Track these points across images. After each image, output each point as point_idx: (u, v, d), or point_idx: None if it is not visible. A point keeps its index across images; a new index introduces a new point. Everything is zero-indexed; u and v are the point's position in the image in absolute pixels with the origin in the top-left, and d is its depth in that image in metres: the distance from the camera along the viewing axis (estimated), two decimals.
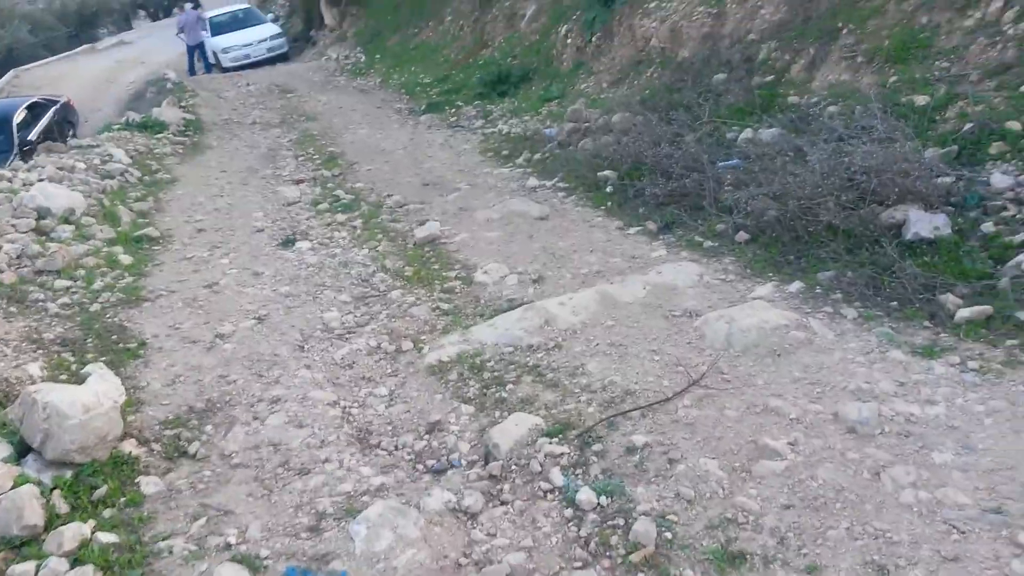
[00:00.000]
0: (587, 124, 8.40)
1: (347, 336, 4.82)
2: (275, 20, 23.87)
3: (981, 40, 5.70)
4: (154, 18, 39.97)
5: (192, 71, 20.10)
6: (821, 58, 6.83)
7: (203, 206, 7.78)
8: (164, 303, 5.45)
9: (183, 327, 5.06)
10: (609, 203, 6.43)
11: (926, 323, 4.05)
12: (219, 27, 21.34)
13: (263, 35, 21.10)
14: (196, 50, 20.52)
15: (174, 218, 7.47)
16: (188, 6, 21.72)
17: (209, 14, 22.13)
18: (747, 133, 6.48)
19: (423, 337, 4.72)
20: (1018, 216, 4.46)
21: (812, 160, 5.24)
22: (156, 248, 6.65)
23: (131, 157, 9.23)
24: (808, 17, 7.30)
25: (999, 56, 5.50)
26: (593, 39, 10.61)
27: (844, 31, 6.77)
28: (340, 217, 7.17)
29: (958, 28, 5.96)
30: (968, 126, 5.14)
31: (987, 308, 3.93)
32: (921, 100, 5.60)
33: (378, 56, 17.89)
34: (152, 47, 21.68)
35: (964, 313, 3.94)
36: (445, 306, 5.12)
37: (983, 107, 5.22)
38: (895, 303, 4.24)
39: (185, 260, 6.33)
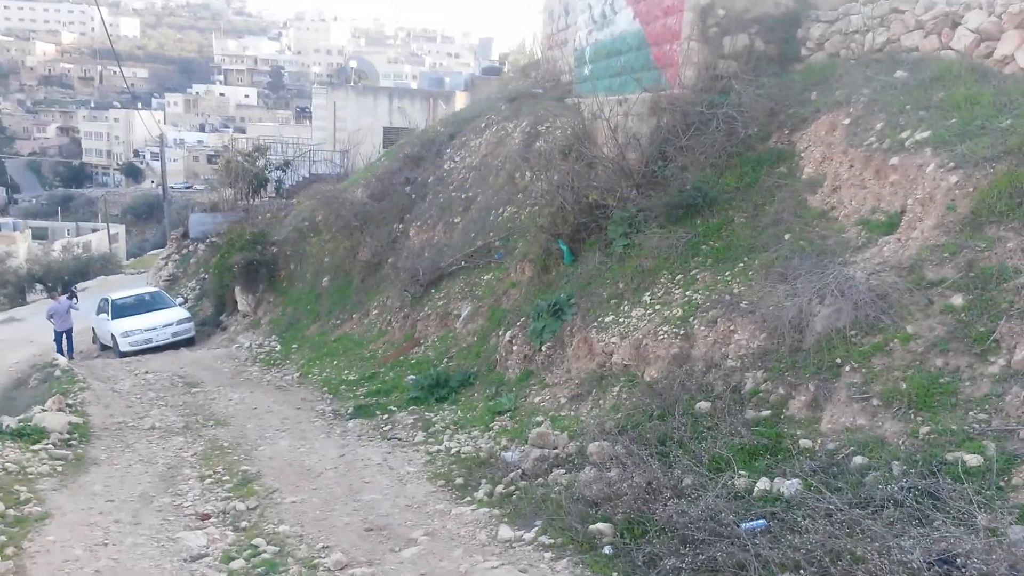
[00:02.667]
0: (555, 450, 7.41)
1: None
2: (183, 303, 22.99)
3: (1017, 391, 5.17)
4: (51, 291, 38.50)
5: (60, 352, 18.89)
6: (824, 396, 6.21)
7: (80, 568, 6.05)
8: None
9: None
10: (615, 574, 5.21)
11: None
12: (122, 309, 20.35)
13: (168, 319, 20.11)
14: (64, 335, 20.06)
15: None
16: (63, 297, 21.40)
17: (115, 296, 21.25)
18: (763, 483, 5.58)
19: None
20: None
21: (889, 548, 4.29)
22: None
23: None
24: (796, 348, 6.81)
25: None
26: (543, 348, 10.00)
27: (846, 368, 6.24)
28: None
29: (983, 375, 5.47)
30: None
31: None
32: (973, 460, 4.89)
33: (295, 346, 16.96)
34: (45, 325, 20.22)
35: None
36: None
37: None
38: None
39: None
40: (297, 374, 14.56)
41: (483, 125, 18.98)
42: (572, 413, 8.48)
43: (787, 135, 9.89)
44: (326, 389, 12.92)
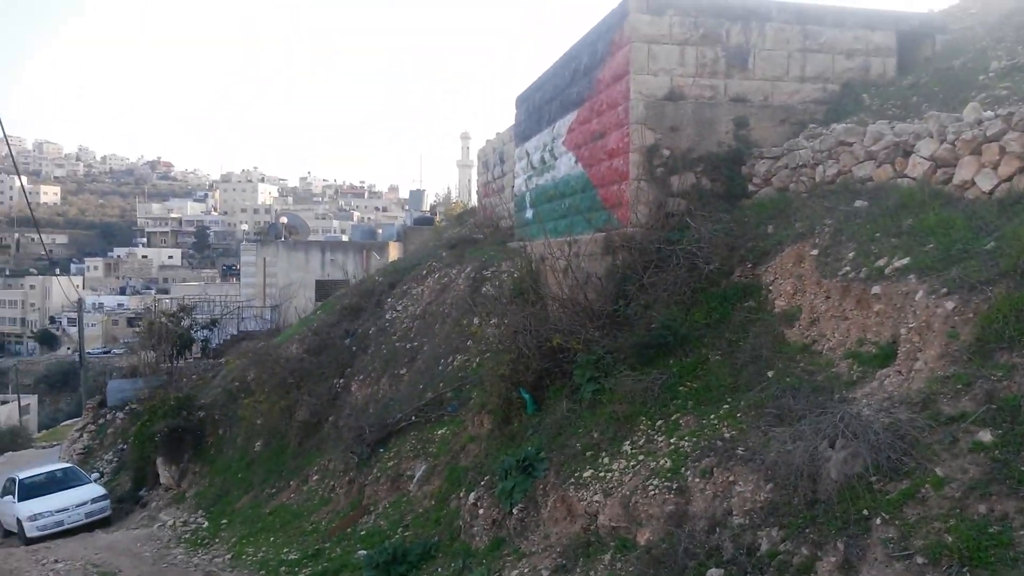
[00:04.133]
0: None
1: None
2: (99, 478, 20.97)
3: None
4: None
5: None
6: (857, 555, 5.45)
7: None
8: None
9: None
10: None
11: None
12: (31, 489, 18.38)
13: (82, 498, 18.20)
14: None
15: None
16: None
17: (23, 475, 19.23)
18: None
19: None
20: None
21: None
22: None
23: None
24: (812, 500, 6.10)
25: None
26: (514, 511, 9.02)
27: (876, 520, 5.54)
28: None
29: None
30: None
31: None
32: None
33: (224, 522, 15.35)
34: None
35: None
36: None
37: None
38: None
39: None
40: (228, 555, 13.00)
41: (424, 273, 18.54)
42: None
43: (750, 268, 9.62)
44: (263, 573, 11.44)
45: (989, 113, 8.13)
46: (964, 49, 11.89)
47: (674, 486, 7.27)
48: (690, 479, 7.23)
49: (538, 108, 16.38)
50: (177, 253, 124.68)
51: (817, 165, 10.17)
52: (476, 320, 14.85)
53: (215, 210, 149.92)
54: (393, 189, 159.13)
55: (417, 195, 47.35)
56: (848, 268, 7.98)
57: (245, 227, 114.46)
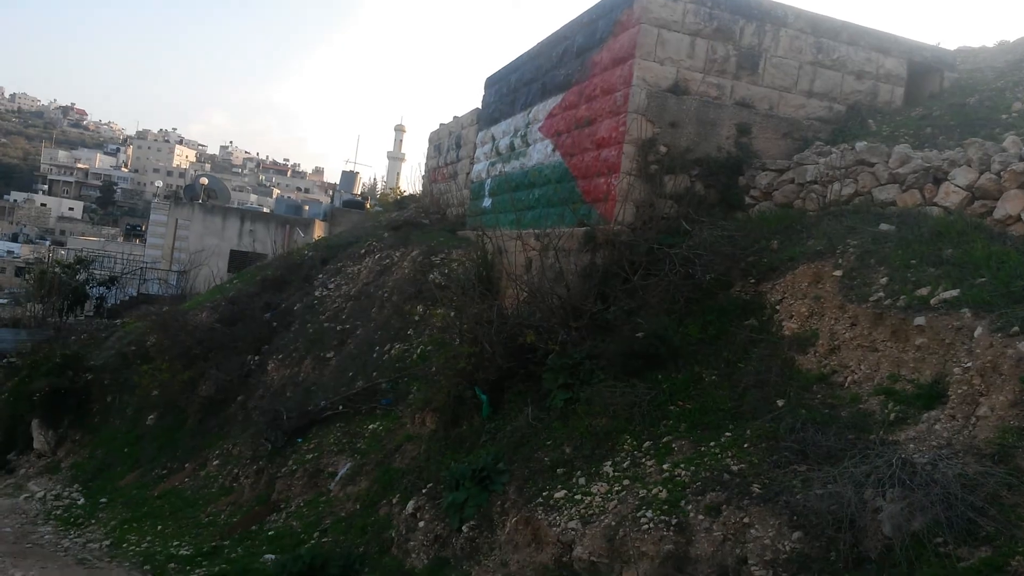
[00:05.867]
0: None
1: None
2: None
3: None
4: None
5: None
6: None
7: None
8: None
9: None
10: None
11: None
12: None
13: None
14: None
15: None
16: None
17: None
18: None
19: None
20: None
21: None
22: None
23: None
24: (856, 557, 5.09)
25: None
26: (464, 528, 7.73)
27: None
28: None
29: None
30: None
31: None
32: None
33: (104, 500, 13.46)
34: None
35: None
36: None
37: None
38: None
39: None
40: (107, 541, 11.19)
41: (363, 252, 17.03)
42: None
43: (753, 284, 8.67)
44: (148, 568, 9.76)
45: None
46: (975, 88, 11.39)
47: (672, 521, 6.17)
48: (692, 515, 6.14)
49: (512, 90, 15.21)
50: (79, 206, 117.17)
51: (830, 183, 9.34)
52: (420, 308, 13.51)
53: (125, 166, 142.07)
54: (318, 172, 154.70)
55: (349, 176, 45.33)
56: (881, 294, 7.10)
57: (159, 184, 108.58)
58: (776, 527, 5.68)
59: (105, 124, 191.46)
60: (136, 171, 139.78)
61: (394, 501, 9.08)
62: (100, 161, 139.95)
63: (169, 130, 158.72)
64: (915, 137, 10.27)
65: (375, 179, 62.36)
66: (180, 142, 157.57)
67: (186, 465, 13.52)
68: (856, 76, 11.43)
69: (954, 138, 9.72)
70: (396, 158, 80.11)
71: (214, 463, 12.96)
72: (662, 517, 6.24)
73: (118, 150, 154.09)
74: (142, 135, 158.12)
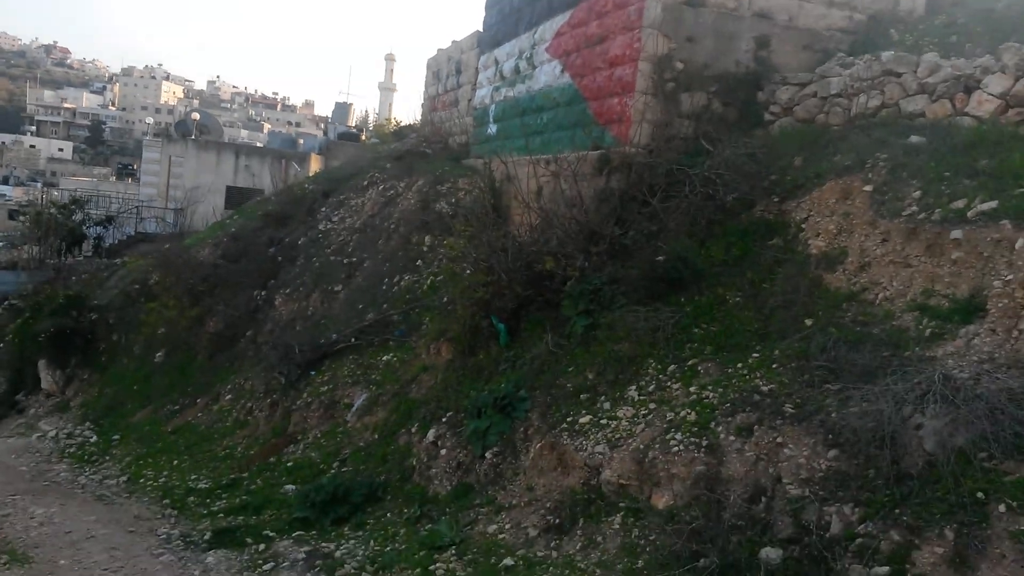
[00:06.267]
0: None
1: None
2: None
3: None
4: None
5: None
6: (975, 548, 4.39)
7: None
8: None
9: None
10: None
11: None
12: None
13: None
14: None
15: None
16: None
17: None
18: None
19: None
20: None
21: None
22: None
23: None
24: (897, 474, 5.00)
25: None
26: (487, 455, 7.68)
27: (998, 507, 4.48)
28: None
29: None
30: None
31: None
32: None
33: (117, 437, 13.45)
34: None
35: None
36: None
37: None
38: None
39: None
40: (123, 477, 11.19)
41: (365, 183, 16.68)
42: (554, 553, 6.19)
43: (776, 203, 8.43)
44: (167, 502, 9.77)
45: None
46: None
47: (703, 443, 6.09)
48: (723, 436, 6.06)
49: (516, 9, 14.63)
50: (68, 146, 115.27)
51: (855, 95, 9.00)
52: (428, 239, 13.27)
53: (113, 105, 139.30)
54: (308, 104, 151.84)
55: (343, 108, 44.48)
56: (915, 208, 6.88)
57: (150, 121, 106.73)
58: (811, 446, 5.59)
59: (90, 62, 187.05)
60: (124, 109, 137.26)
61: (413, 430, 9.03)
62: (87, 100, 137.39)
63: (155, 66, 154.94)
64: (940, 46, 9.86)
65: (366, 111, 61.20)
66: (167, 78, 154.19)
67: (198, 400, 13.48)
68: None
69: (982, 45, 9.32)
70: (388, 88, 78.39)
71: (227, 398, 12.91)
72: (692, 439, 6.16)
73: (104, 88, 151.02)
74: (128, 72, 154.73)
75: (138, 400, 14.88)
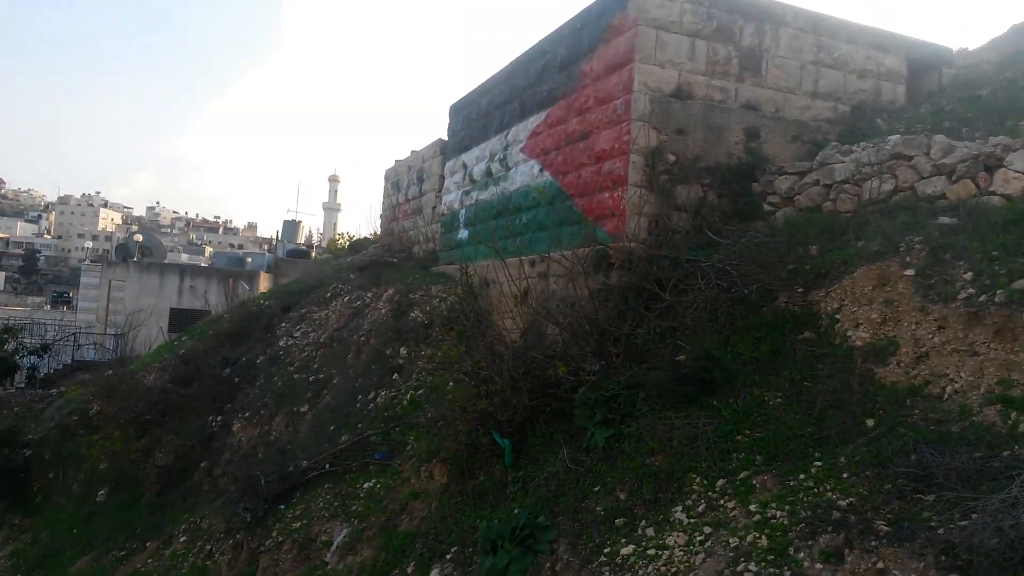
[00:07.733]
0: None
1: None
2: None
3: None
4: None
5: None
6: None
7: None
8: None
9: None
10: None
11: None
12: None
13: None
14: None
15: None
16: None
17: None
18: None
19: None
20: None
21: None
22: None
23: None
24: None
25: None
26: None
27: None
28: None
29: None
30: None
31: None
32: None
33: None
34: None
35: None
36: None
37: None
38: None
39: None
40: None
41: (328, 295, 15.75)
42: None
43: (801, 294, 7.82)
44: None
45: None
46: (980, 82, 10.95)
47: (785, 574, 5.13)
48: (807, 564, 5.11)
49: (484, 115, 14.32)
50: (0, 276, 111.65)
51: (864, 181, 8.62)
52: (403, 350, 12.31)
53: (48, 233, 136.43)
54: (251, 227, 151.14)
55: (292, 225, 43.73)
56: (971, 291, 6.30)
57: (88, 245, 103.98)
58: (921, 571, 4.70)
59: (25, 191, 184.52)
60: (60, 237, 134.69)
61: (409, 571, 7.81)
62: (21, 229, 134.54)
63: (92, 194, 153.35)
64: (934, 132, 9.67)
65: (310, 231, 60.77)
66: (105, 205, 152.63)
67: (148, 544, 11.91)
68: (858, 75, 10.90)
69: (978, 129, 9.16)
70: (332, 208, 78.46)
71: (181, 540, 11.40)
72: (770, 569, 5.20)
73: (39, 217, 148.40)
74: (64, 200, 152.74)
75: (78, 546, 13.20)
